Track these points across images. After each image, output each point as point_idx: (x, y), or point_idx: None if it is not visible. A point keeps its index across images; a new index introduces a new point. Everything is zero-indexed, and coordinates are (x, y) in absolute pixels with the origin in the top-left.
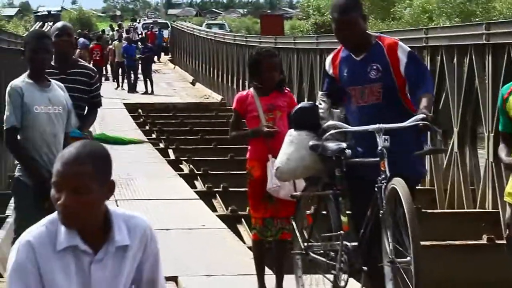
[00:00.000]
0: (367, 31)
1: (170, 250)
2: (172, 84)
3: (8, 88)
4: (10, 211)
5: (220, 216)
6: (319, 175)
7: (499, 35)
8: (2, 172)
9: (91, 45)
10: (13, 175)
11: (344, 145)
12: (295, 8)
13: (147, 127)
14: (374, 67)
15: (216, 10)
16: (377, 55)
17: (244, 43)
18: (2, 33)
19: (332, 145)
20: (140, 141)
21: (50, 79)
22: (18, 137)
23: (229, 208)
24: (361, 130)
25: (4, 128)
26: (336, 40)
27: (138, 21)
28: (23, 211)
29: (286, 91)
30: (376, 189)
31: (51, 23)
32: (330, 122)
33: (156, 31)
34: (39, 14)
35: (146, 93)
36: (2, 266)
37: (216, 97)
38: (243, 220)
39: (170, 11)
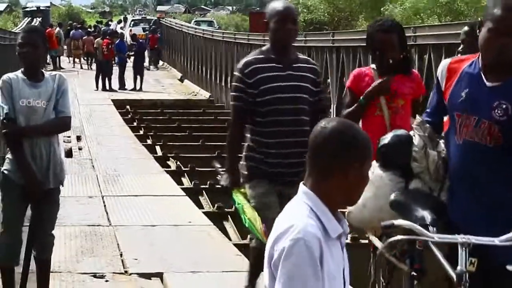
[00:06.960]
0: None
1: (156, 247)
2: (160, 81)
3: None
4: None
5: (206, 213)
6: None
7: None
8: None
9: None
10: None
11: (429, 218)
12: None
13: (135, 124)
14: (504, 105)
15: (205, 7)
16: None
17: (233, 40)
18: None
19: (420, 212)
20: (260, 235)
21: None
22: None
23: (216, 205)
24: (445, 242)
25: (1, 118)
26: (328, 38)
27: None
28: (8, 205)
29: (413, 73)
30: None
31: (39, 19)
32: (402, 222)
33: (159, 35)
34: (28, 9)
35: (134, 89)
36: None
37: (204, 94)
38: (229, 217)
39: (159, 8)
